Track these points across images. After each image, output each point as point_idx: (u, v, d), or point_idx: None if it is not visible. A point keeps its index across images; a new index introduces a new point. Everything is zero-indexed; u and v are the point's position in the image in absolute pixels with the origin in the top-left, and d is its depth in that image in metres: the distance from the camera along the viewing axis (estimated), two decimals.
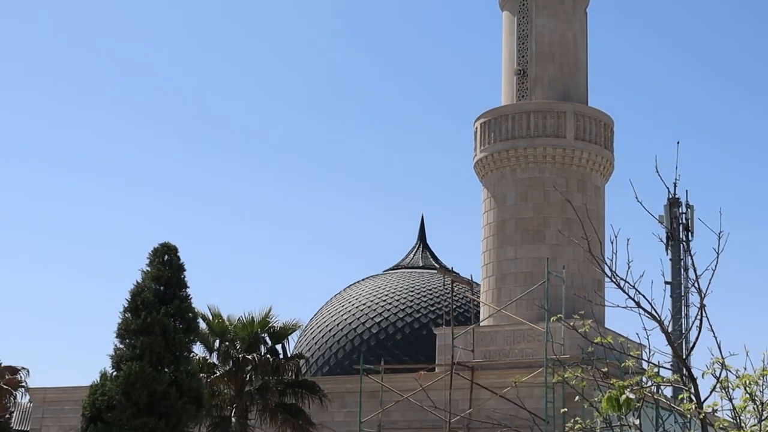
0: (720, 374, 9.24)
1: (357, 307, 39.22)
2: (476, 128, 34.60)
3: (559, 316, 15.09)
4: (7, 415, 43.86)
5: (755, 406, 9.10)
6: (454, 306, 33.79)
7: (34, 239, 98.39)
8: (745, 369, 9.15)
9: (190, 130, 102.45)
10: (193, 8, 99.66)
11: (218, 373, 28.59)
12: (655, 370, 10.26)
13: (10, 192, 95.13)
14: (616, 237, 9.68)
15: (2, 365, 40.68)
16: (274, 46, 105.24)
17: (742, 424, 9.18)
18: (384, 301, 38.98)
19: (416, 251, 43.56)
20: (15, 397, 40.14)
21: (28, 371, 39.95)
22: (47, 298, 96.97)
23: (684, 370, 9.53)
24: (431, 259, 42.70)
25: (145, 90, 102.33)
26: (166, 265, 19.28)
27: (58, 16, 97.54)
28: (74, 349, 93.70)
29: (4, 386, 39.00)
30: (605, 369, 11.21)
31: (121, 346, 18.42)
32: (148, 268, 19.31)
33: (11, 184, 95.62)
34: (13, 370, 39.92)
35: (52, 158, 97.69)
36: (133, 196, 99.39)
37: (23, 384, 39.51)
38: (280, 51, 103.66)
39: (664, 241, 36.88)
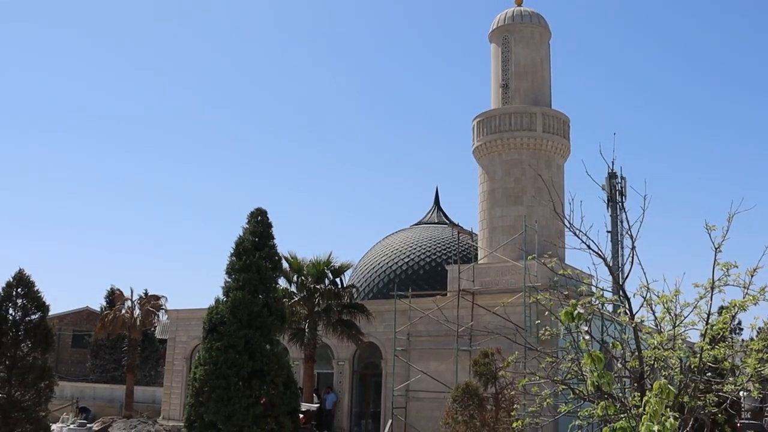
0: (646, 295, 9.20)
1: (392, 251, 39.31)
2: (474, 125, 34.47)
3: (533, 255, 15.05)
4: (152, 329, 44.45)
5: (670, 317, 9.06)
6: (460, 250, 33.77)
7: (181, 207, 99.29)
8: (663, 291, 9.10)
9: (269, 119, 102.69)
10: None
11: (296, 299, 28.75)
12: (601, 292, 10.22)
13: (165, 165, 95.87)
14: (572, 200, 9.62)
15: (149, 294, 41.15)
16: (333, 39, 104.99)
17: (661, 329, 9.15)
18: (411, 247, 39.03)
19: (433, 212, 43.49)
20: (157, 316, 40.54)
21: (166, 298, 40.33)
22: (183, 249, 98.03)
23: (620, 292, 9.49)
24: (444, 217, 42.61)
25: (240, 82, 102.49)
26: (259, 224, 19.29)
27: None
28: (197, 282, 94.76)
29: (150, 308, 39.41)
30: (566, 292, 11.16)
31: (229, 279, 18.48)
32: (247, 226, 19.33)
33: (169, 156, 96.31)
34: (156, 297, 40.32)
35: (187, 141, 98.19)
36: (243, 176, 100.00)
37: (163, 307, 39.88)
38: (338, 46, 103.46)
39: (606, 202, 36.56)
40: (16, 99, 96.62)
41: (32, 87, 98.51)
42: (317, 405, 30.35)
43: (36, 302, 20.75)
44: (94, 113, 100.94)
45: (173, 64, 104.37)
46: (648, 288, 9.15)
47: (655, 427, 4.45)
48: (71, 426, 34.69)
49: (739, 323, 43.32)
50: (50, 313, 22.01)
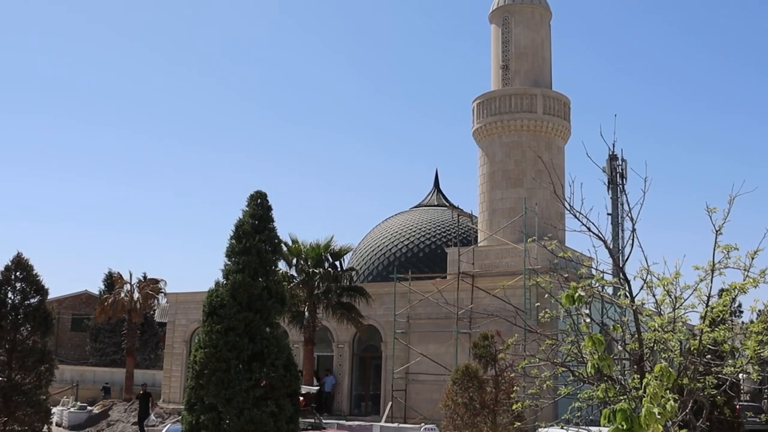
0: (646, 277, 9.22)
1: (392, 233, 39.34)
2: (474, 107, 34.39)
3: (533, 238, 15.07)
4: (151, 312, 44.57)
5: (670, 299, 9.08)
6: (460, 232, 33.81)
7: (183, 194, 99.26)
8: (664, 273, 9.12)
9: (274, 105, 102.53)
10: None
11: (296, 282, 28.81)
12: (601, 275, 10.25)
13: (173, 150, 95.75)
14: (572, 182, 9.62)
15: (148, 277, 41.22)
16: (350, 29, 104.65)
17: (661, 312, 9.18)
18: (410, 229, 39.06)
19: (432, 194, 43.47)
20: (157, 300, 40.61)
21: (165, 282, 40.48)
22: (182, 232, 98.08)
23: (621, 274, 9.51)
24: (443, 200, 42.60)
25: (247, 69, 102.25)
26: (259, 206, 19.20)
27: None
28: (197, 265, 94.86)
29: (150, 292, 39.48)
30: (566, 275, 11.17)
31: (229, 263, 18.43)
32: (247, 208, 19.23)
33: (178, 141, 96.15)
34: (155, 281, 40.41)
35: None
36: (243, 159, 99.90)
37: (162, 290, 39.98)
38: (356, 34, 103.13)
39: (607, 184, 36.61)
40: (13, 80, 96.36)
41: (31, 68, 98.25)
42: (317, 387, 30.49)
43: (35, 286, 20.79)
44: (93, 94, 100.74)
45: (172, 44, 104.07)
46: (648, 270, 9.17)
47: (655, 410, 4.48)
48: (71, 409, 34.86)
49: (739, 306, 43.48)
50: (49, 297, 22.05)
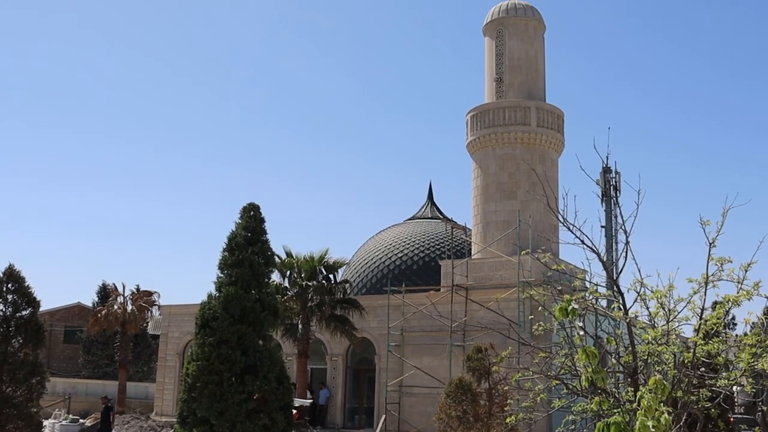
0: (640, 290, 9.21)
1: (385, 246, 39.29)
2: (467, 119, 34.45)
3: (527, 250, 14.99)
4: (145, 324, 44.38)
5: (664, 312, 9.07)
6: (453, 245, 33.77)
7: (174, 206, 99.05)
8: (657, 286, 9.11)
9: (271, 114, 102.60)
10: None
11: (289, 294, 28.74)
12: (595, 288, 10.22)
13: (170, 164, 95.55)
14: (566, 195, 9.62)
15: (141, 290, 41.07)
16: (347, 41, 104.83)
17: (655, 325, 9.16)
18: (404, 241, 39.02)
19: (426, 206, 43.46)
20: (150, 312, 40.46)
21: (159, 294, 40.36)
22: (175, 243, 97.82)
23: (614, 287, 9.49)
24: (437, 212, 42.59)
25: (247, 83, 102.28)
26: (252, 218, 19.14)
27: None
28: (191, 277, 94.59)
29: (143, 304, 39.34)
30: (560, 288, 11.15)
31: (222, 275, 18.35)
32: (240, 221, 19.17)
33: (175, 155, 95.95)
34: (149, 293, 40.28)
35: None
36: (237, 170, 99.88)
37: (156, 303, 39.87)
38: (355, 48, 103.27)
39: (600, 197, 36.59)
40: (5, 88, 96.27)
41: (25, 77, 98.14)
42: (310, 400, 30.36)
43: (26, 298, 20.65)
44: (87, 103, 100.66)
45: (166, 53, 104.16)
46: (642, 283, 9.16)
47: (650, 423, 4.45)
48: (63, 422, 34.64)
49: (733, 318, 43.43)
50: (41, 309, 21.91)
